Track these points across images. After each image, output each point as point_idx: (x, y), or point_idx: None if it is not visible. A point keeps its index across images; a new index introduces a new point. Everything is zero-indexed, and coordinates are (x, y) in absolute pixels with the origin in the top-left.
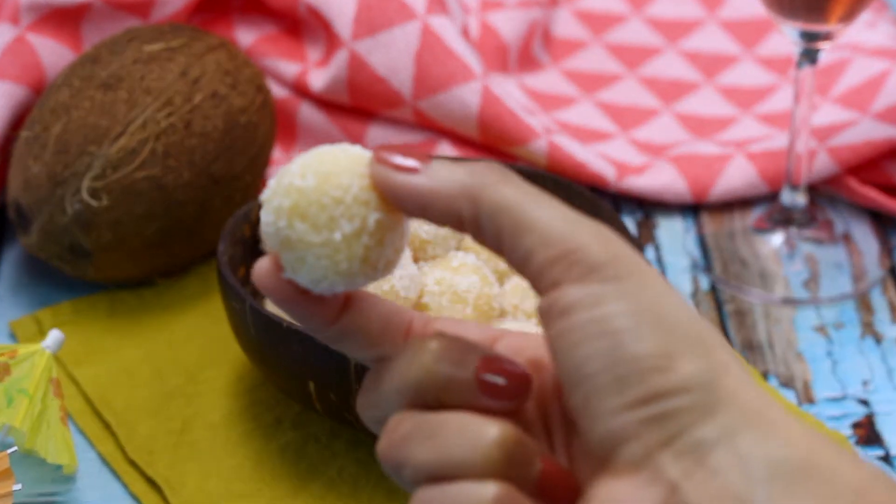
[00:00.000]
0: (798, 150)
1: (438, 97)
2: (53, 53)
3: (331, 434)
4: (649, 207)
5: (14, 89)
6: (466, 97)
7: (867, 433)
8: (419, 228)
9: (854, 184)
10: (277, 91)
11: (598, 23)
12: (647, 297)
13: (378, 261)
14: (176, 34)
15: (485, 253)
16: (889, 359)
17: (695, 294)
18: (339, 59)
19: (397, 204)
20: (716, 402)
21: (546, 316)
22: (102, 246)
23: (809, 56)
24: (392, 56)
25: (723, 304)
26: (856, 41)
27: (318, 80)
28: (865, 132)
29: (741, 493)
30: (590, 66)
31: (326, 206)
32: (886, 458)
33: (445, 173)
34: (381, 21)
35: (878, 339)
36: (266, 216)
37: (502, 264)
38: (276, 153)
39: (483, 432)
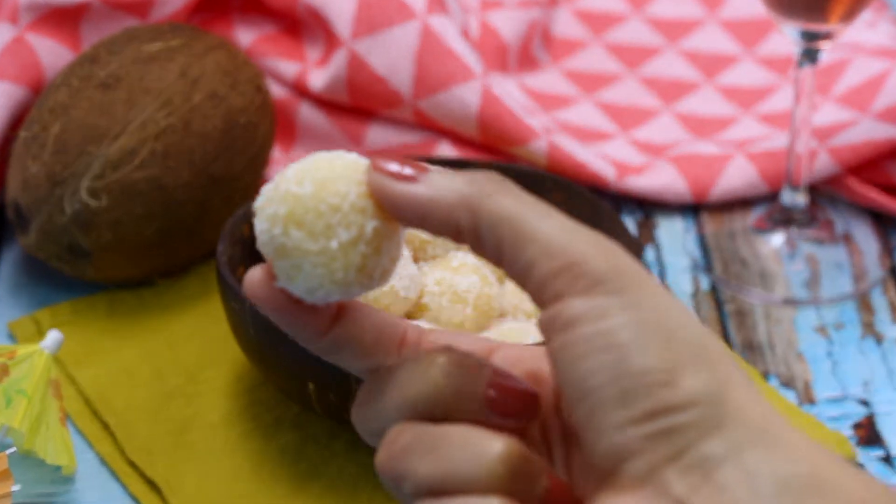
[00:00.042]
0: (798, 150)
1: (438, 97)
2: (52, 53)
3: (330, 435)
4: (649, 207)
5: (13, 89)
6: (466, 97)
7: (867, 434)
8: None
9: (854, 184)
10: (277, 91)
11: (598, 22)
12: (652, 310)
13: (374, 270)
14: (175, 34)
15: None
16: (890, 359)
17: (695, 294)
18: (339, 59)
19: (394, 213)
20: (722, 418)
21: (548, 328)
22: (101, 246)
23: (810, 56)
24: (392, 56)
25: (723, 305)
26: (856, 41)
27: (318, 79)
28: (866, 132)
29: None
30: (590, 66)
31: (323, 213)
32: (887, 459)
33: (443, 182)
34: (380, 20)
35: (878, 340)
36: (260, 224)
37: None
38: (276, 153)
39: (487, 447)
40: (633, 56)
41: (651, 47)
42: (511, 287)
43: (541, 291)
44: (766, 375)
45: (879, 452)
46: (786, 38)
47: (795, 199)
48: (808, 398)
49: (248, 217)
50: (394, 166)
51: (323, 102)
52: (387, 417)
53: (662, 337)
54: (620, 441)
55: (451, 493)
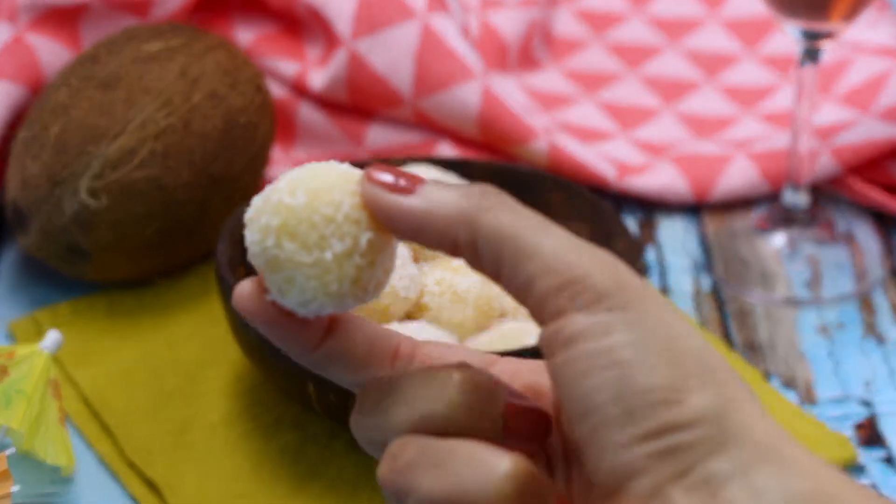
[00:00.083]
0: (799, 150)
1: (438, 97)
2: (51, 53)
3: (330, 435)
4: (650, 207)
5: (11, 89)
6: (466, 97)
7: (869, 434)
8: None
9: (856, 184)
10: (277, 91)
11: (599, 22)
12: (656, 327)
13: (369, 282)
14: (175, 34)
15: None
16: (891, 359)
17: (696, 294)
18: (339, 59)
19: (389, 225)
20: (728, 436)
21: (550, 345)
22: (101, 246)
23: (811, 55)
24: (392, 55)
25: (724, 305)
26: (858, 40)
27: (318, 79)
28: (867, 132)
29: None
30: (590, 66)
31: (317, 224)
32: (888, 460)
33: (439, 195)
34: (380, 20)
35: (880, 340)
36: (251, 235)
37: None
38: (276, 153)
39: (494, 464)
40: (633, 55)
41: (652, 47)
42: None
43: (542, 307)
44: (767, 376)
45: (881, 453)
46: (787, 37)
47: (797, 199)
48: (809, 398)
49: None
50: (388, 177)
51: (323, 102)
52: (391, 430)
53: (667, 354)
54: (625, 459)
55: None
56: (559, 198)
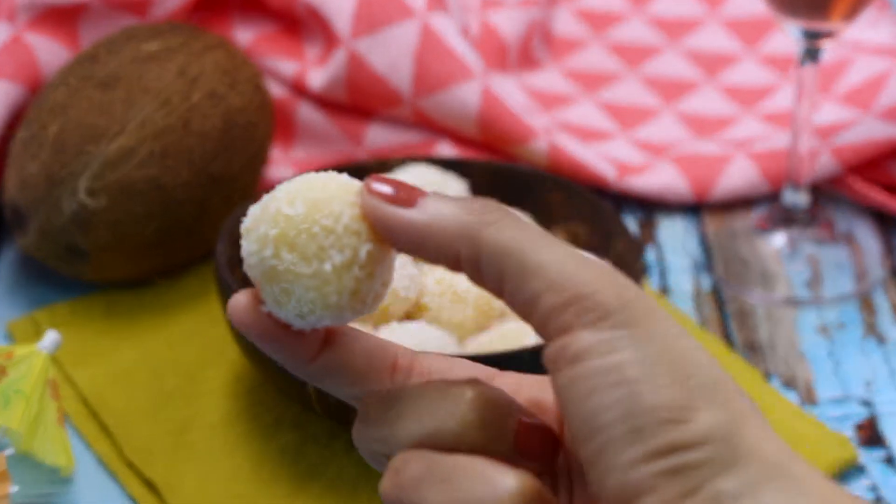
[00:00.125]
0: (800, 150)
1: (438, 96)
2: (50, 52)
3: (330, 435)
4: (650, 207)
5: (10, 88)
6: (466, 96)
7: (869, 434)
8: None
9: (856, 183)
10: (276, 90)
11: (599, 21)
12: (663, 344)
13: (367, 295)
14: (174, 33)
15: None
16: (892, 359)
17: (696, 295)
18: (338, 58)
19: (389, 238)
20: (736, 455)
21: (555, 362)
22: (100, 246)
23: (811, 55)
24: (391, 55)
25: (724, 305)
26: (858, 40)
27: (317, 78)
28: (867, 131)
29: None
30: (590, 66)
31: (316, 235)
32: (889, 460)
33: (441, 209)
34: (380, 19)
35: (880, 340)
36: (249, 245)
37: None
38: (275, 153)
39: (501, 481)
40: (633, 55)
41: (652, 46)
42: None
43: (546, 324)
44: (767, 376)
45: (881, 453)
46: (787, 36)
47: (797, 198)
48: (809, 399)
49: None
50: (387, 189)
51: (322, 102)
52: (396, 443)
53: (674, 372)
54: (632, 478)
55: None
56: (559, 198)
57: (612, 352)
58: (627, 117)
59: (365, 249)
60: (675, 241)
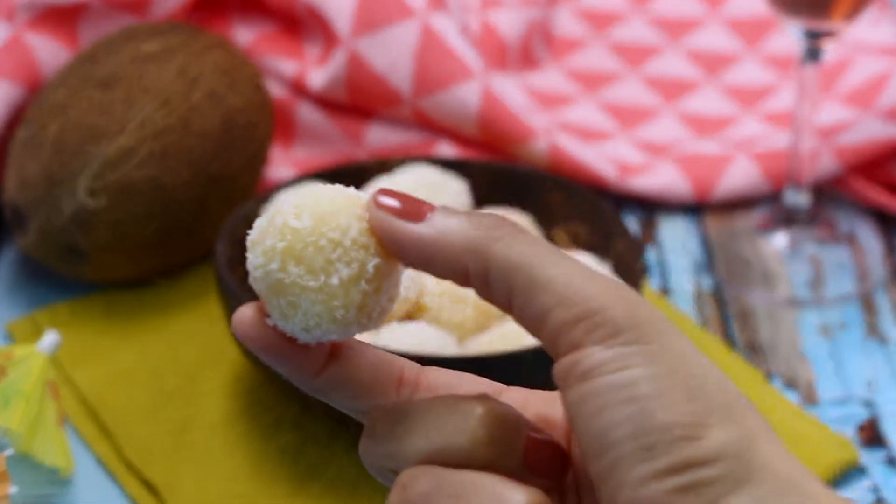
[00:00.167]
0: (801, 150)
1: (438, 96)
2: (50, 52)
3: (330, 435)
4: (651, 207)
5: (10, 88)
6: (466, 96)
7: (871, 435)
8: None
9: (858, 184)
10: (276, 90)
11: (600, 21)
12: (675, 361)
13: (374, 309)
14: (174, 33)
15: None
16: (893, 360)
17: (697, 295)
18: (338, 58)
19: (397, 253)
20: (749, 472)
21: (565, 378)
22: (100, 246)
23: (812, 54)
24: (391, 54)
25: (725, 305)
26: (859, 39)
27: (317, 78)
28: (869, 131)
29: None
30: (591, 65)
31: (323, 248)
32: (891, 461)
33: (449, 224)
34: (380, 19)
35: (882, 340)
36: (255, 258)
37: None
38: (275, 152)
39: (511, 498)
40: (634, 55)
41: (653, 46)
42: None
43: (556, 340)
44: (768, 376)
45: (883, 454)
46: (788, 36)
47: (798, 198)
48: (811, 399)
49: (248, 217)
50: (395, 203)
51: (322, 102)
52: (404, 459)
53: (686, 389)
54: (644, 495)
55: None
56: (559, 198)
57: (624, 368)
58: (628, 117)
59: (372, 263)
60: (676, 241)
